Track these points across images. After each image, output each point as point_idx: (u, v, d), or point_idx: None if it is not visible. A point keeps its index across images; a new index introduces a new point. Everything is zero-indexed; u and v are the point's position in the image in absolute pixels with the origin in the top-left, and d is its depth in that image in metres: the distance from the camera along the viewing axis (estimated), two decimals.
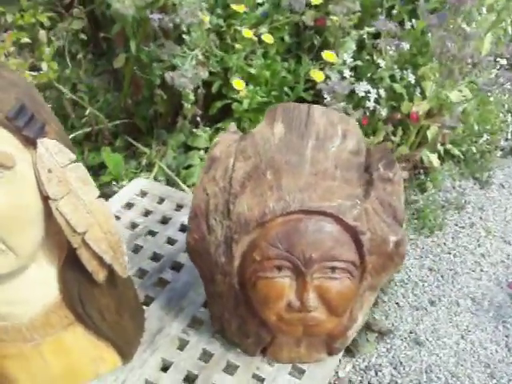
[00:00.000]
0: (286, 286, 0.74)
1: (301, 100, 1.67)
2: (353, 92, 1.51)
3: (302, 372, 0.85)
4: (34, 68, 1.46)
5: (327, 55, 1.54)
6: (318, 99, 1.53)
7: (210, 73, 1.49)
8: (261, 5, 1.65)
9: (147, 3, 1.41)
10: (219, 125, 1.55)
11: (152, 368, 0.85)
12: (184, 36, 1.48)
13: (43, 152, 0.64)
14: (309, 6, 1.56)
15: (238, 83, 1.53)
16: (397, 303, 1.13)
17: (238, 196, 0.75)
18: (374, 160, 0.79)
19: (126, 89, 1.58)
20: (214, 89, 1.53)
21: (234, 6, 1.57)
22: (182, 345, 0.88)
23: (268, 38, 1.53)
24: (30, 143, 0.63)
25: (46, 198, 0.65)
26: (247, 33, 1.53)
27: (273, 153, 0.77)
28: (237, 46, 1.61)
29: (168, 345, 0.88)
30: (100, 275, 0.73)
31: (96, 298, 0.75)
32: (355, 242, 0.74)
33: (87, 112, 1.57)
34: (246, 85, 1.60)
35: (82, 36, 1.61)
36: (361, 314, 0.81)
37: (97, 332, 0.79)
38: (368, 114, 1.62)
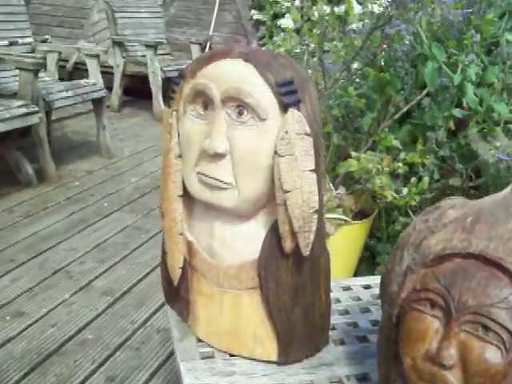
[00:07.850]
0: (433, 328, 0.66)
1: None
2: None
3: None
4: None
5: None
6: None
7: None
8: None
9: None
10: None
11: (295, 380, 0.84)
12: None
13: (289, 117, 0.79)
14: None
15: None
16: None
17: (436, 232, 0.74)
18: None
19: None
20: None
21: None
22: None
23: None
24: (284, 108, 0.80)
25: (274, 153, 0.80)
26: None
27: (484, 206, 0.73)
28: None
29: (323, 379, 0.85)
30: (287, 243, 0.81)
31: (277, 269, 0.83)
32: None
33: None
34: None
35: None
36: None
37: (267, 308, 0.84)
38: None
